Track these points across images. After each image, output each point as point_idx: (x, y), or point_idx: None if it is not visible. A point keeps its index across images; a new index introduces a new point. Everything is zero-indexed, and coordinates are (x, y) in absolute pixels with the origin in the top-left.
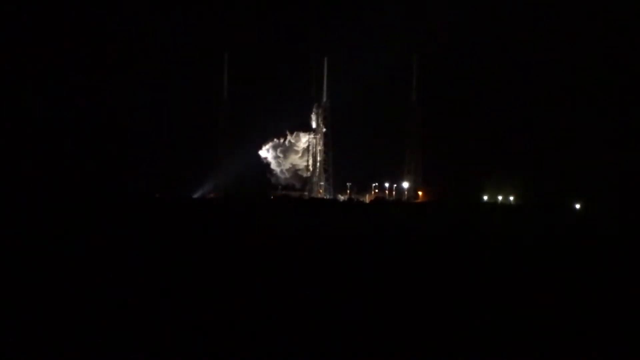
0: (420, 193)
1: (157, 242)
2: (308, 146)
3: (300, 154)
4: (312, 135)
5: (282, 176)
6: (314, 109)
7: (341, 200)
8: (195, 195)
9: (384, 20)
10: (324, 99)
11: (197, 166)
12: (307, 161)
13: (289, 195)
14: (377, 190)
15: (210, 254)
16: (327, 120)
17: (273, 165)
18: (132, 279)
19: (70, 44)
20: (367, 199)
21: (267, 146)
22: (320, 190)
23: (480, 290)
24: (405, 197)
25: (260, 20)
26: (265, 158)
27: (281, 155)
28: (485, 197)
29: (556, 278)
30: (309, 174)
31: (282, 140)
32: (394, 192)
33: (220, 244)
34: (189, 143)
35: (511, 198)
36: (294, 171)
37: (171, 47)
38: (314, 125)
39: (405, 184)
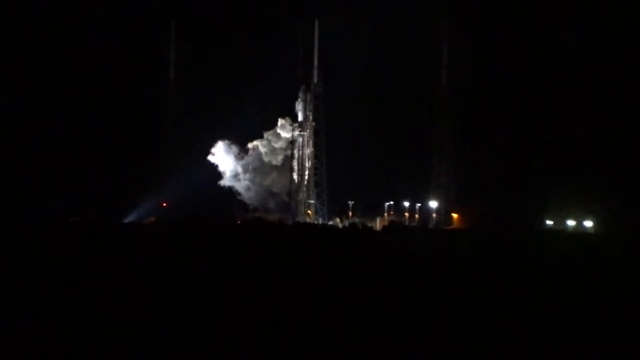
0: (454, 216)
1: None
2: (292, 149)
3: (275, 165)
4: (297, 132)
5: (249, 195)
6: (300, 95)
7: (339, 226)
8: (127, 220)
9: None
10: (315, 80)
11: (131, 179)
12: (290, 170)
13: (264, 220)
14: (391, 213)
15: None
16: (319, 111)
17: (228, 181)
18: None
19: None
20: (378, 224)
21: (218, 148)
22: (309, 212)
23: None
24: (434, 222)
25: None
26: (217, 165)
27: (243, 172)
28: (550, 222)
29: None
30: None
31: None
32: (416, 216)
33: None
34: (121, 146)
35: (588, 224)
36: (267, 189)
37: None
38: (300, 117)
39: (433, 204)
